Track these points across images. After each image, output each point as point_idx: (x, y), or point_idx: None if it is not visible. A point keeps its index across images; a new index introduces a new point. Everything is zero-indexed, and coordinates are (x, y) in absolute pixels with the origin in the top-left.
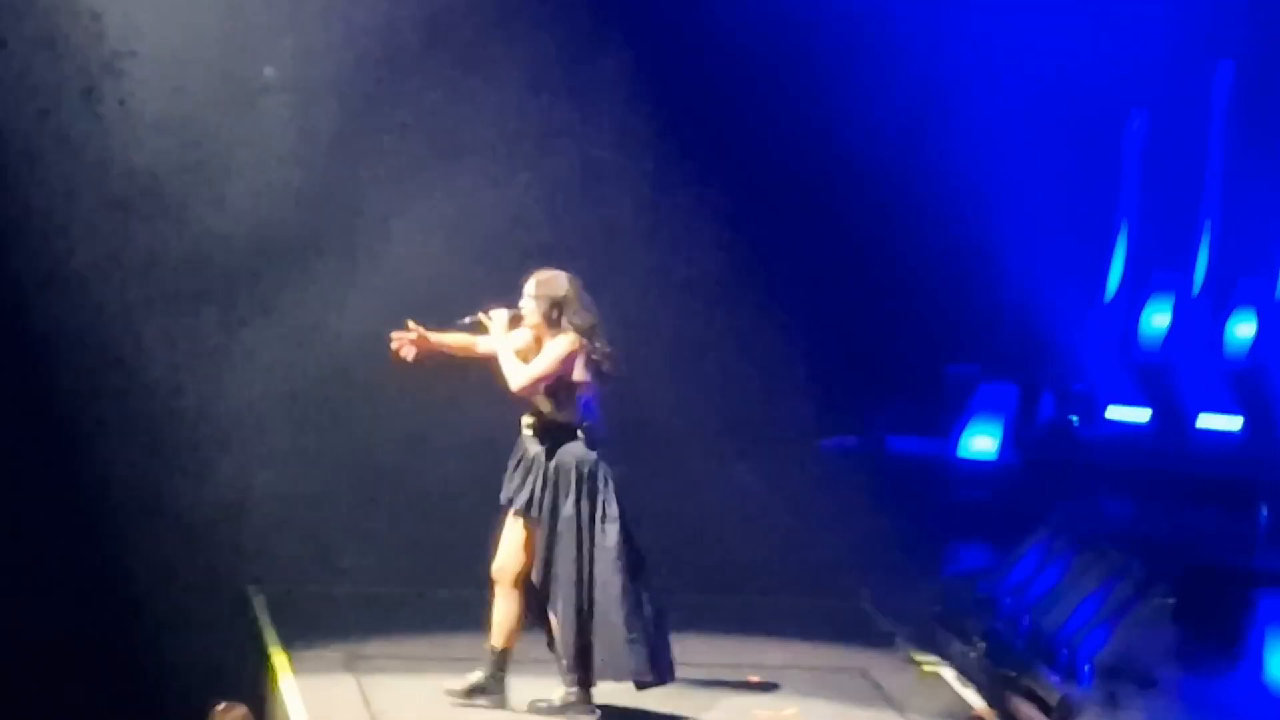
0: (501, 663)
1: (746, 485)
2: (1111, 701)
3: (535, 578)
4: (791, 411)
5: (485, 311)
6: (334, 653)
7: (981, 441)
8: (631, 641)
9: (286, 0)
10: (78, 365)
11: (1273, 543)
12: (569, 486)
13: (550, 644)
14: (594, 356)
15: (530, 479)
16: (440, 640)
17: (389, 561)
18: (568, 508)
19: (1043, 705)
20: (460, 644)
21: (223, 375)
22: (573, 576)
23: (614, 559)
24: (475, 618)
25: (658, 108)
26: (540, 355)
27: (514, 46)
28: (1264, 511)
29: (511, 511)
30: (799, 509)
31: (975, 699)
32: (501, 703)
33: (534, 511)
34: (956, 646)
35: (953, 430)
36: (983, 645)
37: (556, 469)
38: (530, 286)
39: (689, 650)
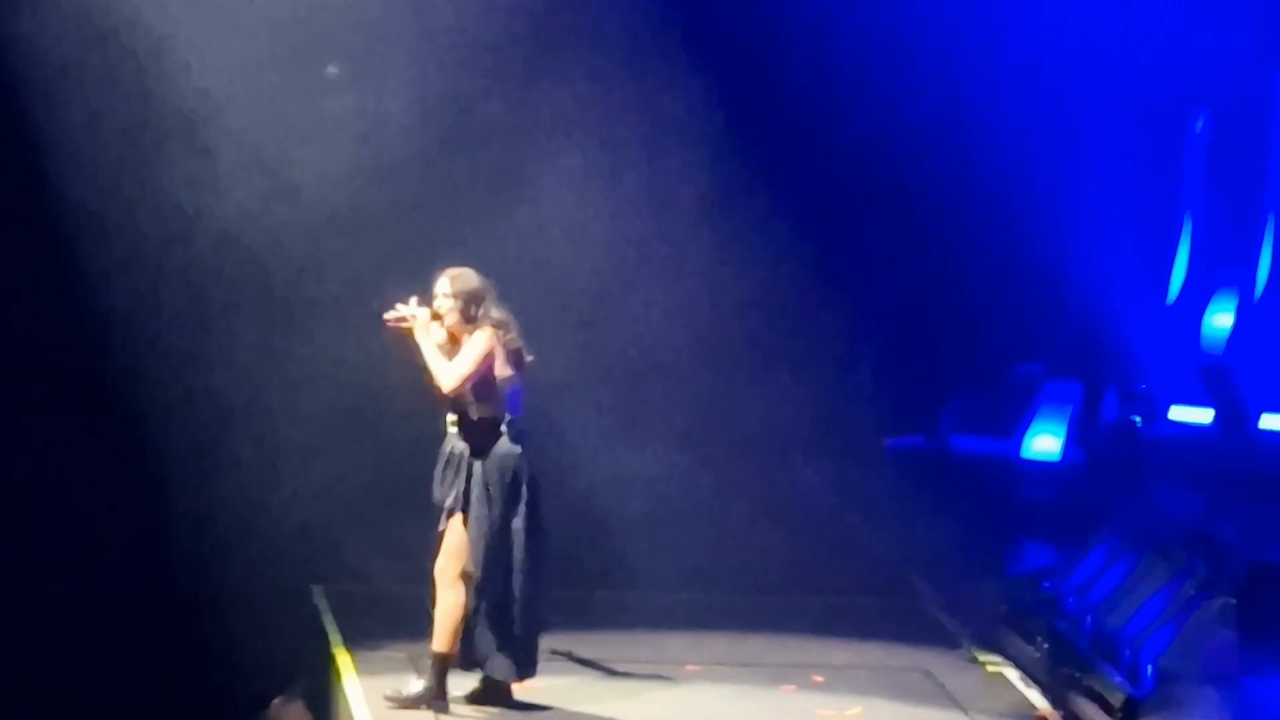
0: (441, 668)
1: (812, 485)
2: (1174, 702)
3: (442, 572)
4: (857, 411)
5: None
6: (397, 651)
7: (1045, 441)
8: (529, 642)
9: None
10: (141, 367)
11: None
12: (495, 483)
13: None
14: (510, 348)
15: (458, 478)
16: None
17: None
18: (495, 505)
19: (1106, 705)
20: None
21: (286, 377)
22: (500, 572)
23: (531, 556)
24: None
25: (725, 117)
26: (463, 353)
27: (583, 56)
28: None
29: (445, 512)
30: (864, 508)
31: (1039, 699)
32: (444, 709)
33: (463, 509)
34: (1020, 646)
35: (1017, 430)
36: (1046, 645)
37: (482, 466)
38: (444, 285)
39: (754, 650)
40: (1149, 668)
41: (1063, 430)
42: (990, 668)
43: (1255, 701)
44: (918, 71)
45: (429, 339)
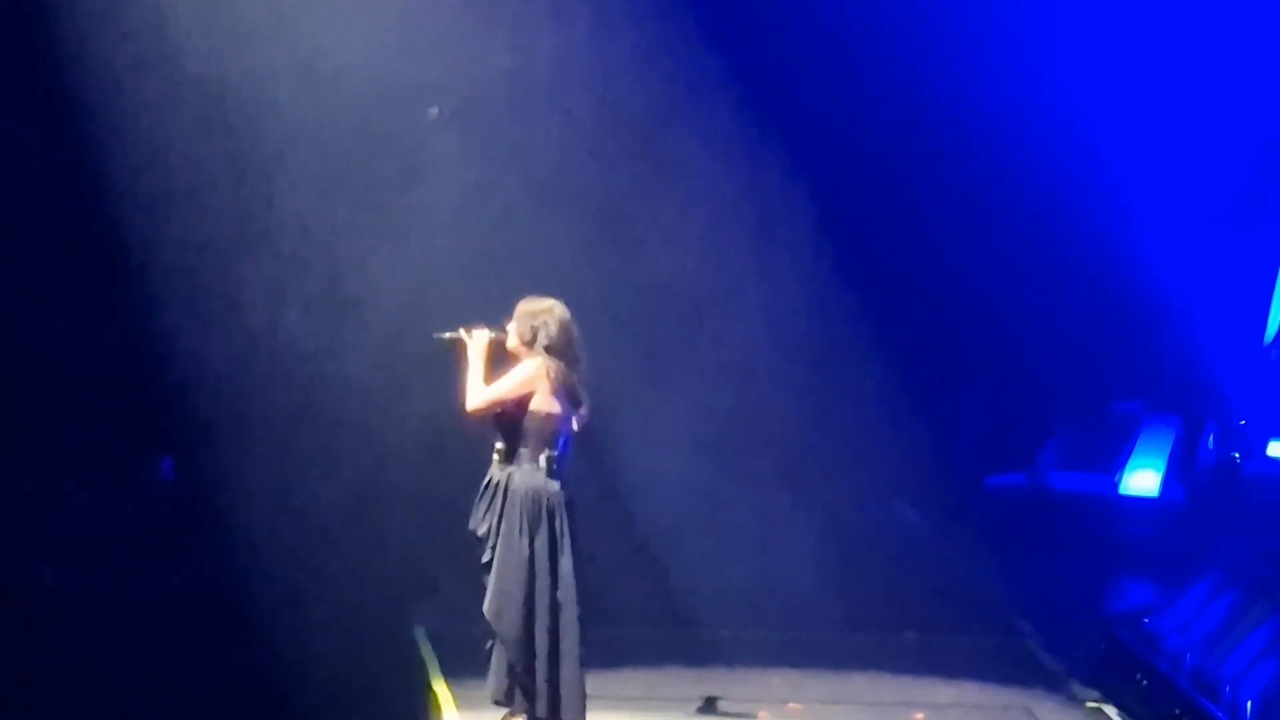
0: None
1: (913, 523)
2: None
3: (486, 607)
4: (958, 449)
5: (467, 330)
6: None
7: (1145, 478)
8: (580, 681)
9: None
10: (232, 409)
11: None
12: (526, 518)
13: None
14: (563, 383)
15: (488, 507)
16: (600, 676)
17: None
18: (524, 540)
19: None
20: (617, 681)
21: (387, 419)
22: (521, 613)
23: (569, 594)
24: (635, 655)
25: (815, 164)
26: (502, 378)
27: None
28: None
29: (486, 542)
30: (965, 546)
31: None
32: None
33: (490, 539)
34: (1121, 684)
35: (1117, 467)
36: (1146, 682)
37: (514, 500)
38: (519, 309)
39: (855, 688)
40: (1249, 704)
41: (1162, 467)
42: (1090, 705)
43: None
44: (1018, 112)
45: (479, 360)
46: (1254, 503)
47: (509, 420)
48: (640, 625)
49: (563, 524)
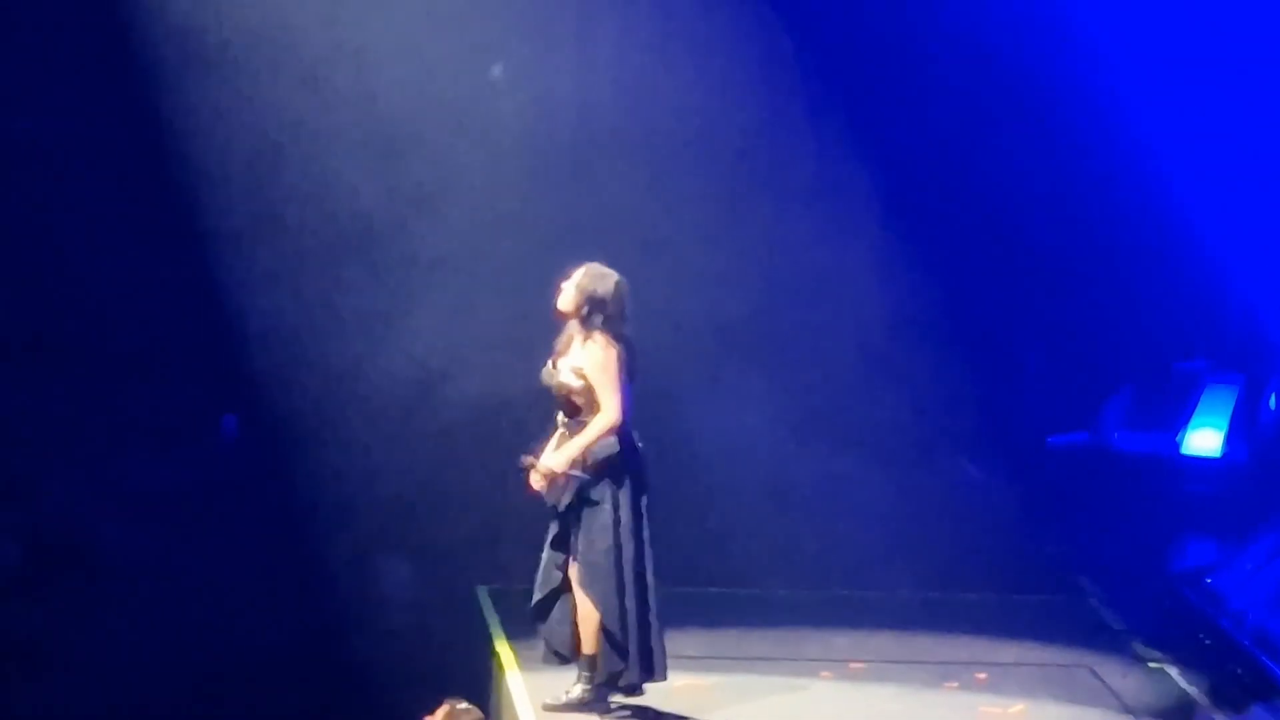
0: (594, 665)
1: (975, 482)
2: None
3: (571, 576)
4: (1021, 408)
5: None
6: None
7: (1207, 437)
8: (659, 639)
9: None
10: (295, 375)
11: None
12: (606, 487)
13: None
14: (624, 359)
15: (570, 479)
16: (668, 639)
17: None
18: (606, 509)
19: (1270, 701)
20: (684, 640)
21: (446, 382)
22: (613, 578)
23: (644, 559)
24: (703, 616)
25: (885, 124)
26: (600, 376)
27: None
28: None
29: (562, 513)
30: (1027, 506)
31: (1201, 696)
32: (605, 709)
33: (580, 511)
34: (1183, 643)
35: (1180, 426)
36: (1210, 642)
37: (593, 467)
38: (578, 275)
39: (919, 647)
40: None
41: (1224, 426)
42: (1153, 665)
43: None
44: (1077, 68)
45: (570, 452)
46: None
47: (582, 395)
48: (703, 585)
49: (640, 490)
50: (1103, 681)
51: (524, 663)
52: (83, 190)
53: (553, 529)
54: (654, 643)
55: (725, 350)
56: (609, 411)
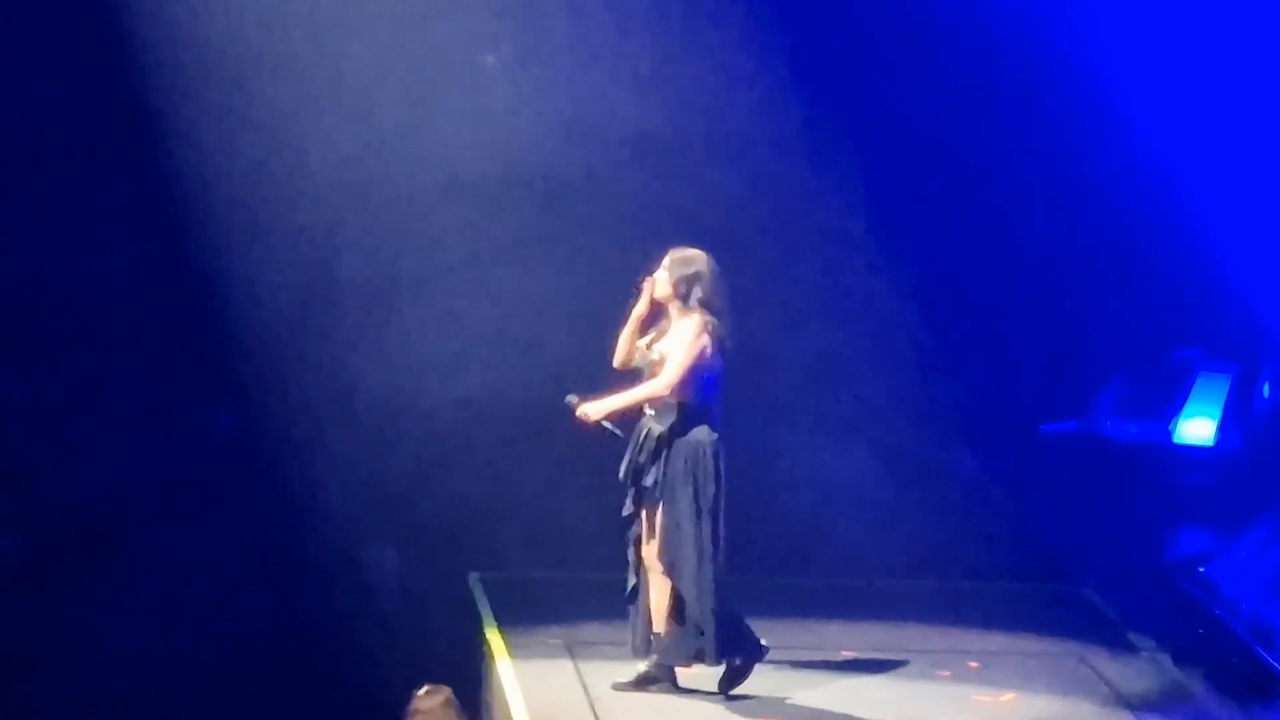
0: (662, 645)
1: (968, 470)
2: None
3: (656, 556)
4: (1013, 396)
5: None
6: (553, 638)
7: (1200, 426)
8: (723, 624)
9: None
10: (287, 362)
11: None
12: (688, 466)
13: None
14: (716, 335)
15: (651, 459)
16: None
17: (610, 546)
18: (689, 489)
19: (1263, 691)
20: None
21: (440, 366)
22: (694, 557)
23: (719, 540)
24: None
25: (877, 121)
26: (675, 348)
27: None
28: None
29: (641, 494)
30: (1020, 494)
31: (1195, 683)
32: (672, 688)
33: (658, 493)
34: (1177, 632)
35: (1173, 415)
36: (1203, 630)
37: (677, 448)
38: (666, 261)
39: (910, 636)
40: None
41: (1217, 415)
42: (1147, 653)
43: None
44: (1071, 57)
45: (612, 404)
46: None
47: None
48: None
49: (722, 471)
50: (1095, 670)
51: (514, 650)
52: (75, 178)
53: (628, 509)
54: (737, 623)
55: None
56: (663, 379)
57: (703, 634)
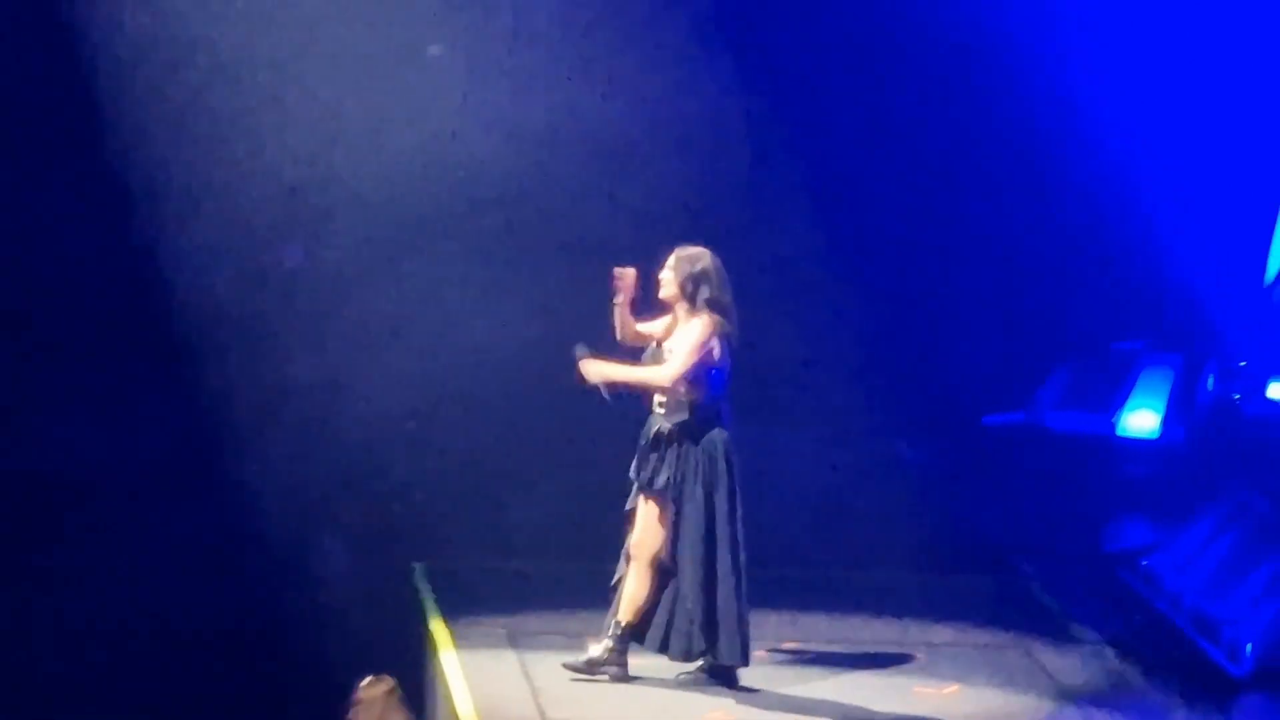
0: (626, 637)
1: (910, 461)
2: (1274, 680)
3: (665, 555)
4: (957, 388)
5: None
6: (496, 627)
7: (1144, 418)
8: (745, 623)
9: None
10: (234, 349)
11: None
12: (699, 465)
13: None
14: (724, 333)
15: (662, 458)
16: (602, 616)
17: (553, 537)
18: (699, 486)
19: (1205, 684)
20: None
21: (384, 355)
22: (700, 555)
23: (737, 537)
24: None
25: (815, 94)
26: (679, 345)
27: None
28: None
29: (647, 490)
30: (963, 485)
31: (1136, 675)
32: (624, 676)
33: (669, 491)
34: (1119, 624)
35: (1116, 407)
36: (1145, 623)
37: (688, 448)
38: (670, 260)
39: (852, 627)
40: (1248, 646)
41: (1161, 407)
42: (1089, 645)
43: None
44: (1015, 50)
45: (611, 372)
46: (1254, 443)
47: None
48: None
49: (734, 469)
50: (1038, 662)
51: (458, 640)
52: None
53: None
54: (748, 624)
55: None
56: (666, 370)
57: (695, 630)
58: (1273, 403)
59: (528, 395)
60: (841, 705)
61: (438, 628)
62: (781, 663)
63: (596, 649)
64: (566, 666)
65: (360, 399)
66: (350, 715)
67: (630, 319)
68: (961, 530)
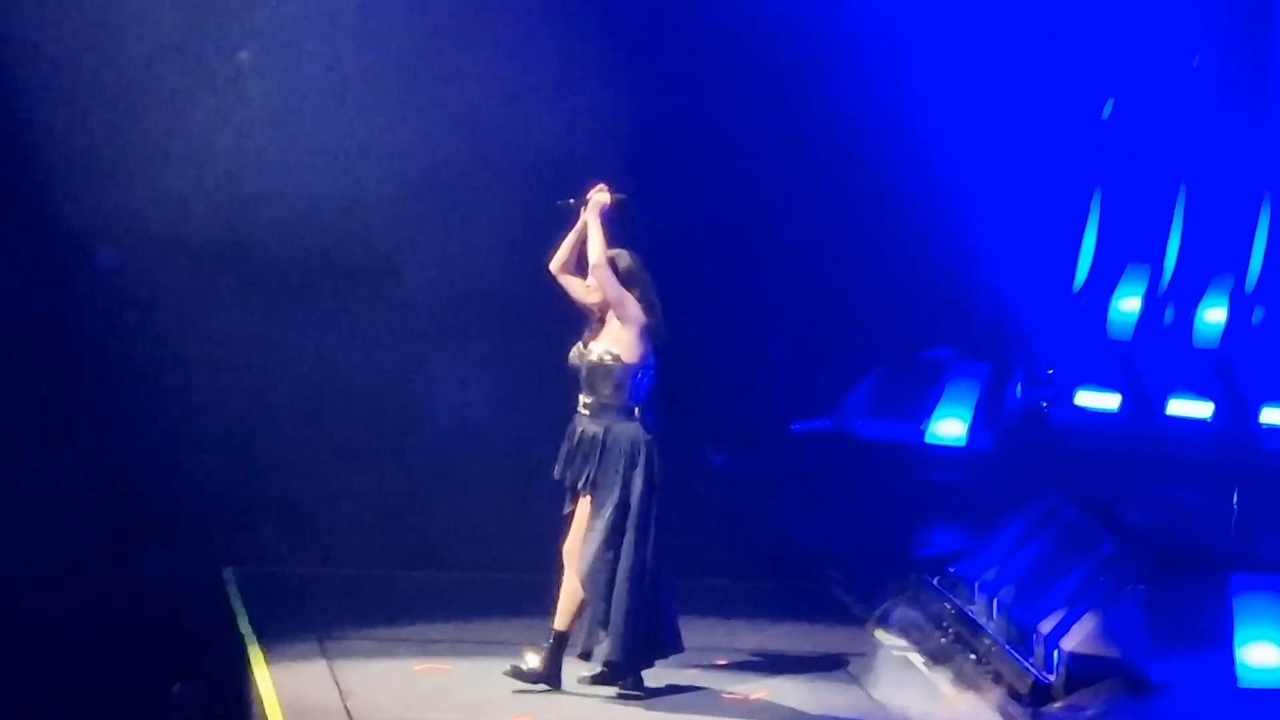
0: (560, 645)
1: (718, 469)
2: (1082, 688)
3: (591, 555)
4: (764, 395)
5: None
6: (306, 634)
7: (951, 425)
8: (641, 623)
9: None
10: (55, 352)
11: (1245, 528)
12: (624, 466)
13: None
14: (657, 335)
15: (588, 461)
16: (413, 623)
17: (363, 544)
18: (623, 487)
19: (1014, 691)
20: (432, 628)
21: (207, 362)
22: (631, 556)
23: (646, 540)
24: (448, 601)
25: (631, 124)
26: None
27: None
28: (1235, 497)
29: (572, 493)
30: (771, 492)
31: (945, 684)
32: (555, 685)
33: (594, 491)
34: (928, 631)
35: (924, 414)
36: (953, 630)
37: (613, 449)
38: (593, 265)
39: None
40: (1056, 653)
41: (969, 415)
42: (897, 652)
43: (1164, 688)
44: (827, 63)
45: (593, 233)
46: (1061, 451)
47: (612, 376)
48: (451, 571)
49: (657, 471)
50: (845, 669)
51: (267, 645)
52: None
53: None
54: (667, 626)
55: (467, 328)
56: (635, 311)
57: (595, 628)
58: (1080, 410)
59: (337, 401)
60: (649, 711)
61: (247, 632)
62: (588, 666)
63: (534, 659)
64: (505, 673)
65: (176, 400)
66: None
67: (575, 247)
68: (770, 537)
